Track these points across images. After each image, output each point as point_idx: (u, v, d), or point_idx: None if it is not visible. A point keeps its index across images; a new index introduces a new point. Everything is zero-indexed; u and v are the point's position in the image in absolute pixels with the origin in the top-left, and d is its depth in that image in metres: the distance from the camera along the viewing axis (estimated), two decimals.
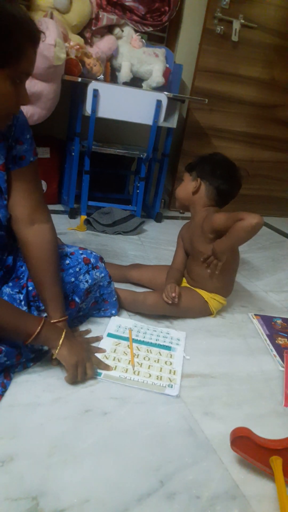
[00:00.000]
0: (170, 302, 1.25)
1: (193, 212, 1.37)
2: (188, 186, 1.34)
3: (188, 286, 1.40)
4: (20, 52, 0.75)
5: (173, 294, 1.24)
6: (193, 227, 1.37)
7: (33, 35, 0.76)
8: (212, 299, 1.36)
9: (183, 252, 1.46)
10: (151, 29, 2.29)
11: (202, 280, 1.36)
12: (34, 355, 0.99)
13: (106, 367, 1.03)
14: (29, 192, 0.99)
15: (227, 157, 1.35)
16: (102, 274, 1.18)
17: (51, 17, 1.85)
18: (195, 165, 1.34)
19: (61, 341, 0.93)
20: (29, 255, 1.00)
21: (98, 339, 1.15)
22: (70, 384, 0.96)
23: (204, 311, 1.37)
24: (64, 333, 0.95)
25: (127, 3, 2.16)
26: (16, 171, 0.96)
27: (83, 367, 0.96)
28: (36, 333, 0.88)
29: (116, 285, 1.29)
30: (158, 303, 1.29)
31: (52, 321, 0.99)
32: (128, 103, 2.04)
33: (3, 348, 0.87)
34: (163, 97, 2.06)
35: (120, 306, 1.32)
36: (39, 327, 0.89)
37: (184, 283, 1.43)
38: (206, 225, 1.29)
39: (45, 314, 1.03)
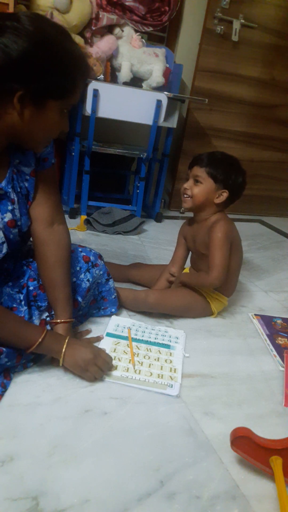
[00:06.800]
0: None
1: (204, 214, 1.34)
2: (211, 193, 1.29)
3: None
4: (74, 87, 0.82)
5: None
6: (197, 228, 1.36)
7: (85, 71, 0.84)
8: (215, 299, 1.36)
9: (182, 251, 1.46)
10: (151, 29, 2.29)
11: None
12: (34, 356, 0.99)
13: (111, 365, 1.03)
14: (50, 193, 1.02)
15: (245, 171, 1.34)
16: (101, 272, 1.19)
17: (51, 17, 1.85)
18: (223, 176, 1.27)
19: (63, 350, 0.94)
20: (46, 254, 1.01)
21: (98, 339, 1.15)
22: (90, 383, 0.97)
23: (205, 311, 1.38)
24: (66, 342, 0.95)
25: (127, 3, 2.16)
26: (39, 172, 0.99)
27: (94, 367, 0.96)
28: (37, 343, 0.89)
29: (117, 284, 1.29)
30: (159, 301, 1.29)
31: (58, 320, 1.01)
32: (128, 103, 2.04)
33: (3, 349, 0.87)
34: (163, 97, 2.06)
35: (122, 305, 1.32)
36: (41, 338, 0.90)
37: None
38: (209, 235, 1.28)
39: (45, 314, 1.04)
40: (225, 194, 1.29)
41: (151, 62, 2.14)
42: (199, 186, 1.29)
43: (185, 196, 1.32)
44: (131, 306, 1.33)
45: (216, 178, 1.28)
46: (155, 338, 1.21)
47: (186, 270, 1.48)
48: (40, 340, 0.89)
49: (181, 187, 1.35)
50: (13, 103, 0.76)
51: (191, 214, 1.41)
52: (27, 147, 0.92)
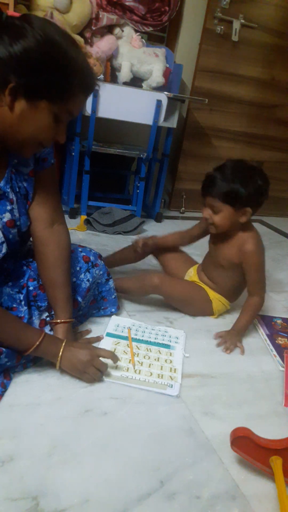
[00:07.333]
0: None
1: (231, 232, 1.28)
2: (233, 217, 1.21)
3: (197, 281, 1.41)
4: (69, 94, 0.80)
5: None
6: (223, 240, 1.30)
7: (87, 86, 0.83)
8: (217, 300, 1.36)
9: (198, 233, 1.44)
10: (151, 29, 2.29)
11: (213, 280, 1.37)
12: (34, 356, 0.99)
13: (115, 357, 1.01)
14: (50, 193, 1.02)
15: (260, 168, 1.25)
16: (101, 272, 1.19)
17: (51, 17, 1.85)
18: (240, 196, 1.17)
19: (60, 354, 0.94)
20: (46, 254, 1.02)
21: (98, 339, 1.15)
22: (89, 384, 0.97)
23: (205, 309, 1.38)
24: (63, 346, 0.95)
25: (127, 3, 2.16)
26: (39, 172, 0.99)
27: (92, 369, 0.96)
28: (35, 346, 0.90)
29: (121, 275, 1.29)
30: (164, 282, 1.31)
31: (58, 321, 1.01)
32: (128, 103, 2.04)
33: (3, 350, 0.88)
34: (163, 97, 2.06)
35: (129, 295, 1.33)
36: (38, 341, 0.90)
37: (195, 278, 1.43)
38: (240, 253, 1.26)
39: (45, 314, 1.04)
40: (248, 211, 1.21)
41: (151, 62, 2.14)
42: (218, 215, 1.21)
43: (209, 224, 1.26)
44: (139, 293, 1.35)
45: (233, 203, 1.19)
46: (155, 338, 1.21)
47: (194, 269, 1.46)
48: (37, 343, 0.90)
49: (202, 213, 1.26)
50: (5, 95, 0.75)
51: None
52: (12, 149, 0.89)
